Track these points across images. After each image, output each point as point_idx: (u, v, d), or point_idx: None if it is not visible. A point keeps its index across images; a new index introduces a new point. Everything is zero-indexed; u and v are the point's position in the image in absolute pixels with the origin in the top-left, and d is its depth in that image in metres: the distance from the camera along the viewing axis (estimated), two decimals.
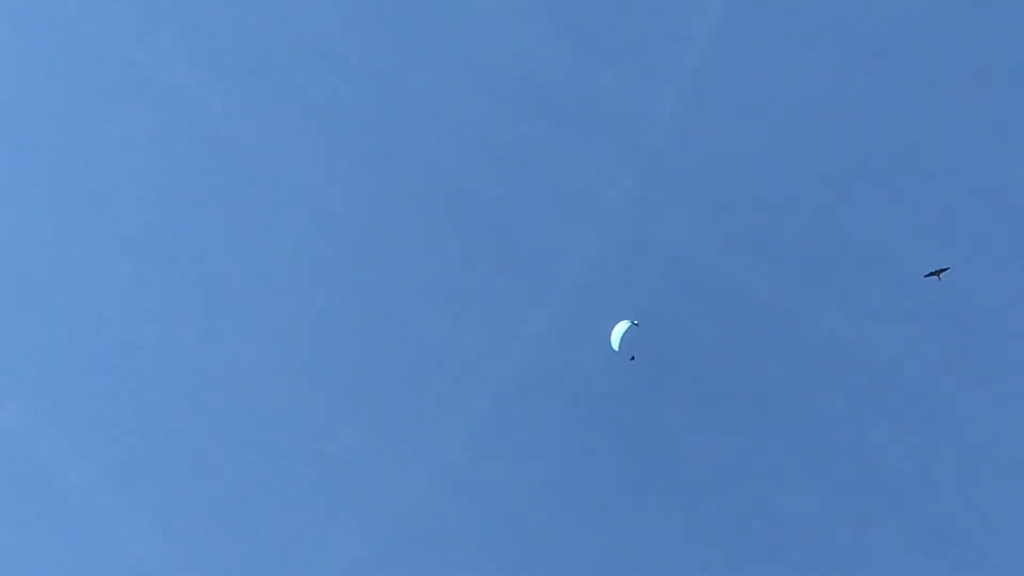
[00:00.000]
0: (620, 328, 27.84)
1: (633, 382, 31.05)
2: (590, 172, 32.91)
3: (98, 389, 32.14)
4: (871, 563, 29.80)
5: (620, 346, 27.88)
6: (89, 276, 33.18)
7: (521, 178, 33.19)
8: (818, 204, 32.09)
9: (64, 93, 34.36)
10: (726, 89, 32.98)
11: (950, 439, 30.22)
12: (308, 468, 31.46)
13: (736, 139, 32.69)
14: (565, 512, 30.88)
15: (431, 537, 30.88)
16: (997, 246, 31.31)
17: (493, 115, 33.47)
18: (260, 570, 30.69)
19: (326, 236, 33.12)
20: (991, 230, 31.39)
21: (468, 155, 33.39)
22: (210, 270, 33.02)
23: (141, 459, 31.60)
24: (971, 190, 31.61)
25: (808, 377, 31.05)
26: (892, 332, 31.03)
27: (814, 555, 29.98)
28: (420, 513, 30.97)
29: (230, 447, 31.63)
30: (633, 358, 28.51)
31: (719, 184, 32.51)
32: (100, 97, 34.27)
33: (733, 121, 32.77)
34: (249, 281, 32.97)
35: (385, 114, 33.78)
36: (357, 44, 34.22)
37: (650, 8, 33.73)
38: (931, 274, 29.10)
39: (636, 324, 27.82)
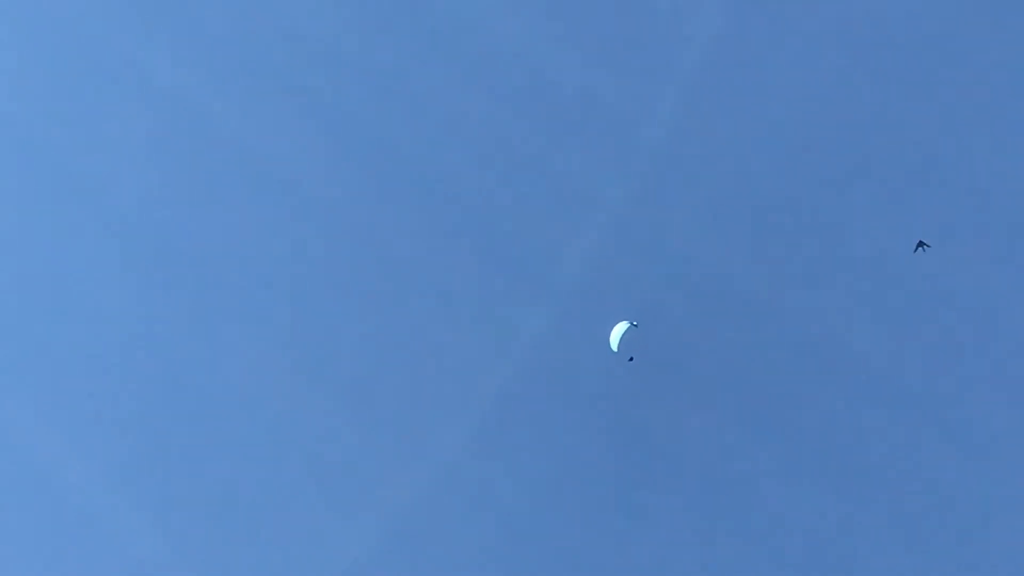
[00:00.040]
0: (619, 329, 27.87)
1: (633, 382, 31.04)
2: (590, 172, 32.89)
3: (97, 388, 32.20)
4: (872, 564, 29.78)
5: (619, 347, 27.91)
6: (89, 275, 33.21)
7: (521, 178, 33.16)
8: (819, 204, 32.07)
9: (64, 92, 34.41)
10: (727, 89, 32.96)
11: (952, 440, 30.19)
12: (308, 468, 31.47)
13: (737, 139, 32.67)
14: (565, 512, 30.88)
15: (431, 537, 30.89)
16: (998, 246, 31.27)
17: (493, 115, 33.46)
18: (260, 570, 30.73)
19: (326, 236, 33.13)
20: (992, 230, 31.35)
21: (467, 154, 33.37)
22: (210, 269, 33.04)
23: (140, 458, 31.64)
24: (972, 190, 31.58)
25: (808, 378, 31.04)
26: (893, 333, 31.01)
27: (815, 555, 29.97)
28: (420, 513, 30.98)
29: (229, 447, 31.67)
30: (632, 359, 28.54)
31: (719, 184, 32.48)
32: (100, 96, 34.32)
33: (734, 121, 32.75)
34: (249, 280, 32.98)
35: (384, 114, 33.78)
36: (355, 44, 34.23)
37: (650, 8, 33.70)
38: (919, 246, 29.24)
39: (635, 325, 27.84)
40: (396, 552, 30.78)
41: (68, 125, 34.16)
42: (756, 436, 30.84)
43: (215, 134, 33.87)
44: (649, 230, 32.50)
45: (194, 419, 31.85)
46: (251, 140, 33.74)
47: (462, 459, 31.34)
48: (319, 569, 30.61)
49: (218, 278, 32.95)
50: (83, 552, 30.77)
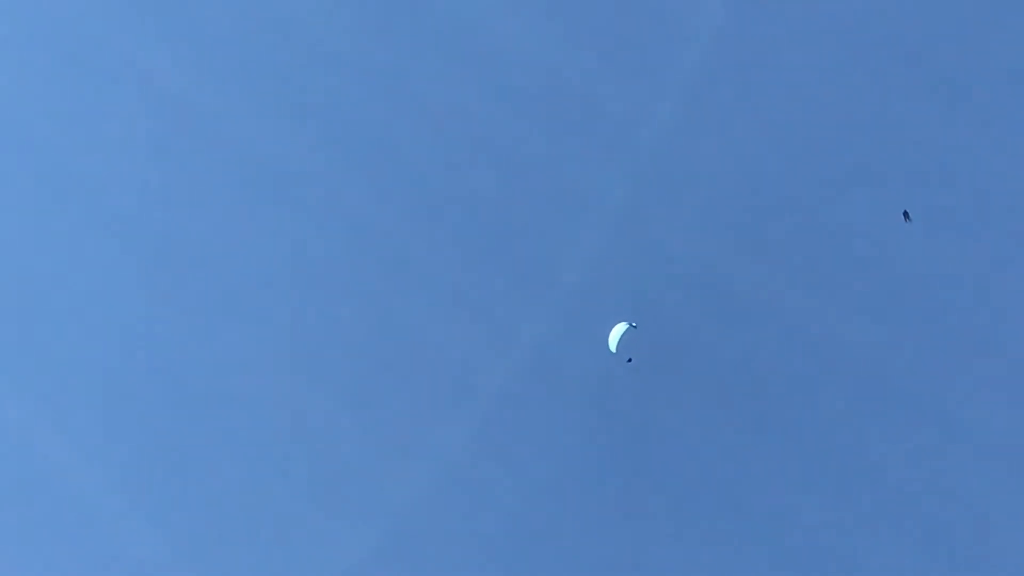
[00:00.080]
0: (618, 330, 27.87)
1: (634, 382, 31.04)
2: (590, 172, 32.87)
3: (96, 388, 32.24)
4: (873, 564, 29.77)
5: (617, 348, 27.91)
6: (89, 275, 33.23)
7: (521, 178, 33.15)
8: (819, 205, 32.03)
9: (65, 92, 34.41)
10: (727, 89, 32.92)
11: (954, 440, 30.17)
12: (308, 468, 31.51)
13: (737, 139, 32.63)
14: (566, 512, 30.90)
15: (431, 537, 30.91)
16: (999, 246, 31.23)
17: (492, 115, 33.44)
18: (260, 570, 30.76)
19: (325, 236, 33.13)
20: (993, 230, 31.31)
21: (467, 154, 33.36)
22: (209, 269, 33.06)
23: (139, 458, 31.68)
24: (972, 190, 31.53)
25: (809, 378, 31.02)
26: (893, 333, 30.98)
27: (815, 556, 29.96)
28: (420, 513, 31.00)
29: (229, 446, 31.71)
30: (630, 360, 28.53)
31: (720, 185, 32.45)
32: (99, 96, 34.32)
33: (734, 121, 32.72)
34: (249, 280, 33.00)
35: (384, 114, 33.77)
36: (355, 43, 34.20)
37: (650, 8, 33.65)
38: (906, 217, 29.33)
39: (634, 326, 27.83)
40: (396, 552, 30.81)
41: (69, 125, 34.18)
42: (756, 436, 30.84)
43: (214, 133, 33.88)
44: (649, 230, 32.48)
45: (193, 419, 31.89)
46: (252, 140, 33.75)
47: (462, 459, 31.34)
48: (319, 569, 30.63)
49: (217, 278, 32.98)
50: (83, 552, 30.83)
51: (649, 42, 33.39)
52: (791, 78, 32.74)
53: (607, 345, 28.33)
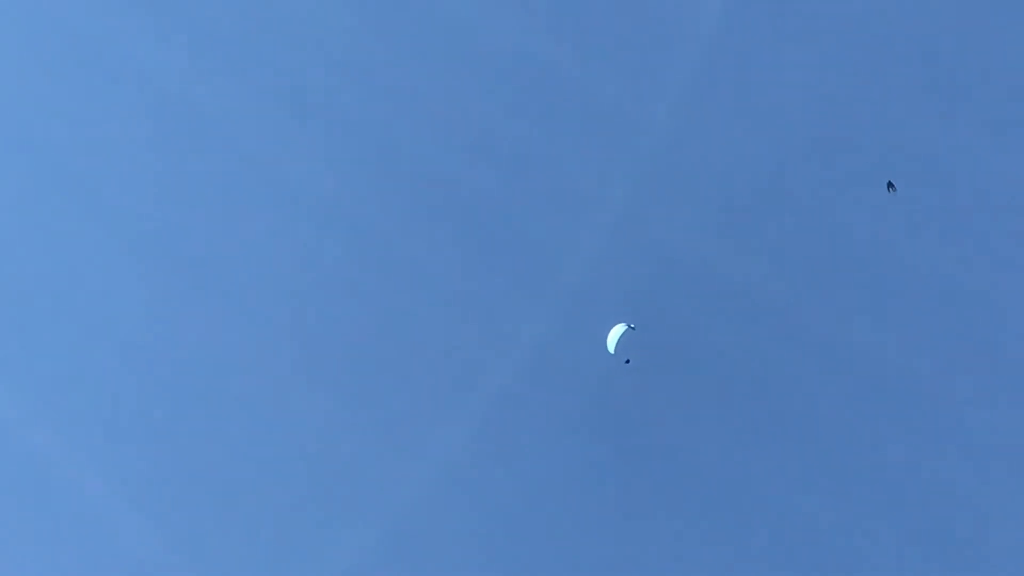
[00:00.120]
0: (616, 331, 27.86)
1: (634, 382, 31.03)
2: (590, 172, 32.87)
3: (97, 387, 32.25)
4: (874, 564, 29.77)
5: (616, 349, 27.90)
6: (90, 273, 33.24)
7: (521, 178, 33.16)
8: (819, 204, 32.03)
9: (67, 93, 34.42)
10: (727, 88, 32.92)
11: (956, 441, 30.16)
12: (308, 468, 31.52)
13: (737, 139, 32.64)
14: (566, 512, 30.91)
15: (431, 537, 30.93)
16: (1001, 246, 31.22)
17: (492, 115, 33.44)
18: (260, 570, 30.78)
19: (325, 236, 33.14)
20: (993, 230, 31.29)
21: (467, 154, 33.35)
22: (210, 270, 33.06)
23: (139, 458, 31.69)
24: (973, 190, 31.51)
25: (808, 379, 31.01)
26: (894, 333, 30.98)
27: (816, 557, 29.96)
28: (420, 513, 31.01)
29: (228, 447, 31.71)
30: (628, 361, 28.51)
31: (719, 185, 32.45)
32: (100, 95, 34.33)
33: (734, 121, 32.72)
34: (248, 280, 33.01)
35: (383, 114, 33.78)
36: (355, 43, 34.21)
37: (650, 8, 33.63)
38: (890, 187, 29.30)
39: (632, 328, 27.81)
40: (396, 552, 30.82)
41: (68, 123, 34.20)
42: (756, 436, 30.84)
43: (213, 132, 33.90)
44: (649, 230, 32.48)
45: (192, 419, 31.89)
46: (250, 138, 33.75)
47: (462, 459, 31.35)
48: (319, 569, 30.65)
49: (218, 278, 32.99)
50: (83, 552, 30.86)
51: (649, 42, 33.39)
52: (790, 78, 32.74)
53: (605, 346, 28.33)
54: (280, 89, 34.14)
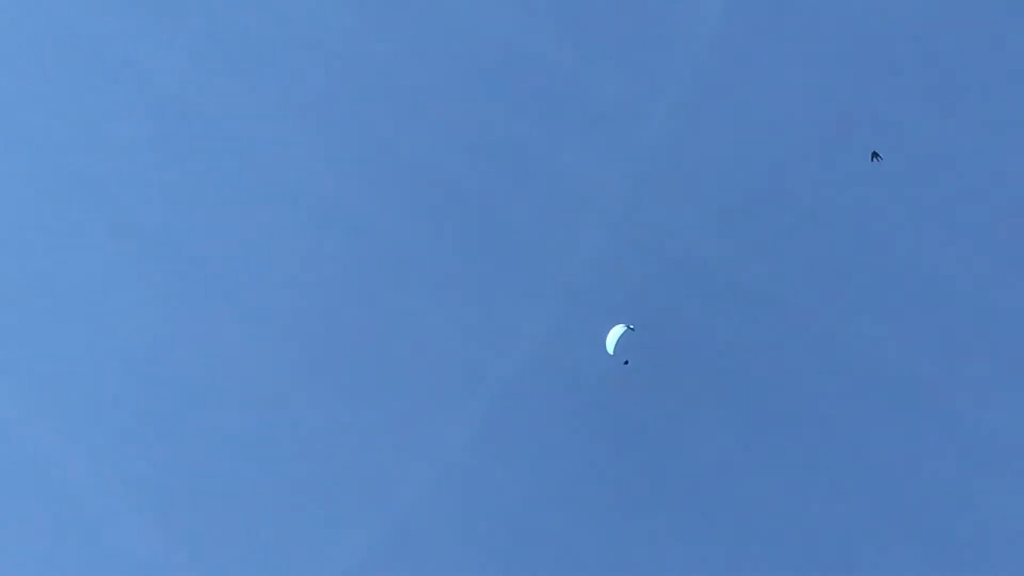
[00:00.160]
0: (615, 332, 27.86)
1: (634, 383, 31.03)
2: (590, 172, 32.88)
3: (97, 387, 32.25)
4: (874, 564, 29.78)
5: (615, 350, 27.91)
6: (90, 273, 33.26)
7: (521, 177, 33.15)
8: (819, 204, 32.03)
9: (64, 91, 34.43)
10: (727, 88, 32.90)
11: (956, 440, 30.16)
12: (308, 468, 31.53)
13: (737, 139, 32.63)
14: (566, 512, 30.91)
15: (431, 537, 30.94)
16: (1002, 245, 31.22)
17: (492, 115, 33.44)
18: (260, 570, 30.79)
19: (325, 235, 33.14)
20: (994, 229, 31.29)
21: (467, 154, 33.36)
22: (210, 269, 33.07)
23: (140, 457, 31.70)
24: (973, 189, 31.51)
25: (808, 379, 31.01)
26: (894, 333, 30.97)
27: (816, 556, 29.96)
28: (420, 513, 31.02)
29: (229, 446, 31.71)
30: (627, 362, 28.51)
31: (719, 184, 32.45)
32: (100, 95, 34.34)
33: (734, 120, 32.71)
34: (248, 279, 33.02)
35: (383, 113, 33.78)
36: (355, 42, 34.20)
37: (650, 8, 33.64)
38: (874, 156, 29.33)
39: (632, 329, 27.81)
40: (396, 552, 30.84)
41: (68, 122, 34.20)
42: (755, 436, 30.85)
43: (213, 131, 33.91)
44: (649, 231, 32.49)
45: (192, 419, 31.90)
46: (250, 138, 33.76)
47: (462, 459, 31.36)
48: (319, 569, 30.66)
49: (220, 279, 33.01)
50: (80, 551, 30.87)
51: (649, 42, 33.39)
52: (790, 78, 32.73)
53: (604, 347, 28.33)
54: (281, 89, 34.16)
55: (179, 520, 31.13)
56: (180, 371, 32.22)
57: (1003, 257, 31.04)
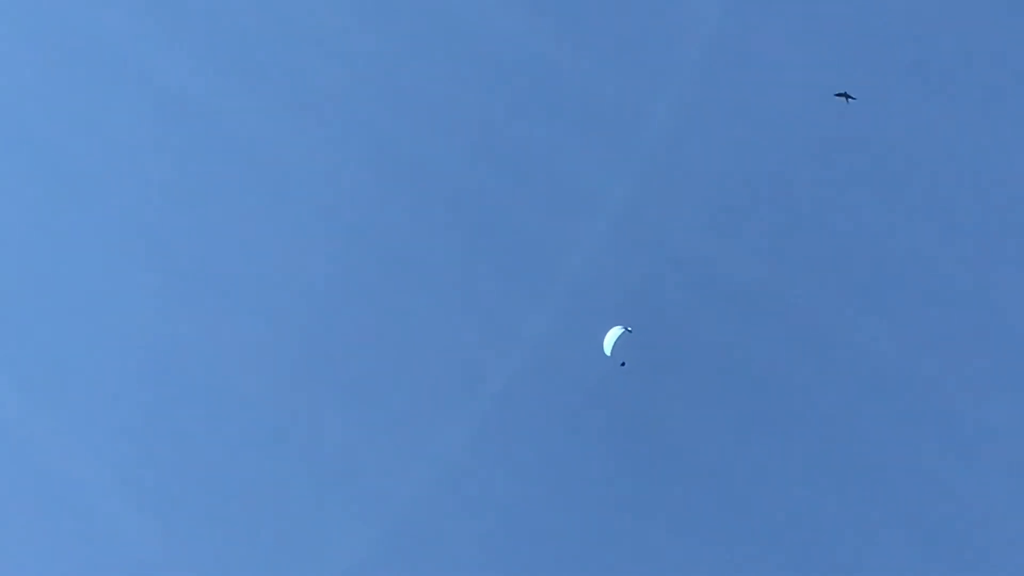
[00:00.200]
0: (613, 333, 27.84)
1: (634, 383, 31.02)
2: (590, 172, 32.89)
3: (97, 386, 32.25)
4: (874, 563, 29.77)
5: (612, 352, 27.89)
6: (90, 273, 33.28)
7: (521, 177, 33.16)
8: (819, 204, 32.03)
9: (65, 91, 34.45)
10: (727, 88, 32.91)
11: (956, 440, 30.14)
12: (308, 468, 31.52)
13: (737, 139, 32.63)
14: (566, 512, 30.89)
15: (431, 537, 30.93)
16: (1002, 245, 31.22)
17: (493, 114, 33.45)
18: (260, 570, 30.78)
19: (325, 235, 33.15)
20: (994, 229, 31.29)
21: (468, 154, 33.37)
22: (210, 269, 33.08)
23: (140, 457, 31.69)
24: (974, 189, 31.51)
25: (808, 379, 31.01)
26: (894, 332, 30.96)
27: (816, 557, 29.95)
28: (420, 513, 31.00)
29: (229, 446, 31.71)
30: (624, 364, 28.49)
31: (719, 184, 32.46)
32: (100, 94, 34.35)
33: (733, 120, 32.70)
34: (249, 279, 33.02)
35: (384, 113, 33.79)
36: (355, 42, 34.21)
37: (650, 8, 33.67)
38: (841, 96, 29.33)
39: (630, 330, 27.78)
40: (396, 552, 30.82)
41: (68, 122, 34.23)
42: (755, 435, 30.84)
43: (213, 131, 33.93)
44: (648, 230, 32.50)
45: (192, 419, 31.90)
46: (250, 138, 33.77)
47: (462, 459, 31.35)
48: (319, 569, 30.65)
49: (221, 279, 33.03)
50: (80, 550, 30.86)
51: (649, 42, 33.40)
52: (790, 78, 32.75)
53: (603, 348, 28.30)
54: (282, 90, 34.17)
55: (179, 520, 31.12)
56: (180, 371, 32.22)
57: (1003, 257, 31.05)
